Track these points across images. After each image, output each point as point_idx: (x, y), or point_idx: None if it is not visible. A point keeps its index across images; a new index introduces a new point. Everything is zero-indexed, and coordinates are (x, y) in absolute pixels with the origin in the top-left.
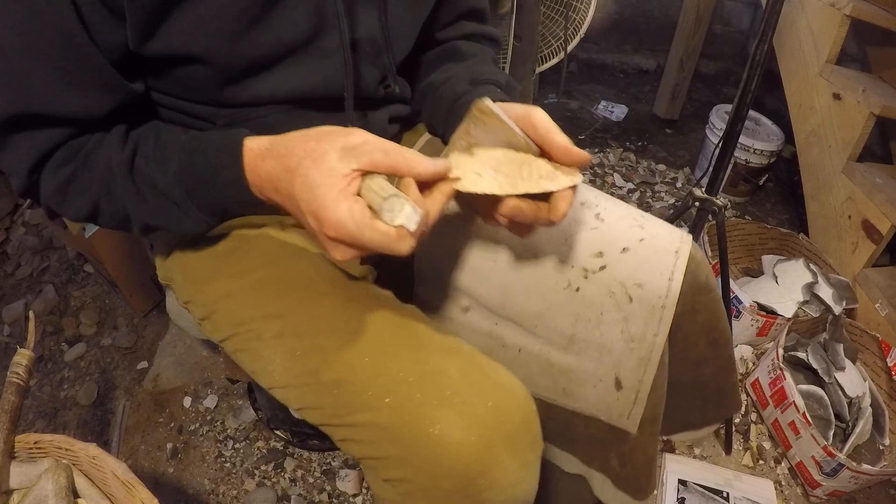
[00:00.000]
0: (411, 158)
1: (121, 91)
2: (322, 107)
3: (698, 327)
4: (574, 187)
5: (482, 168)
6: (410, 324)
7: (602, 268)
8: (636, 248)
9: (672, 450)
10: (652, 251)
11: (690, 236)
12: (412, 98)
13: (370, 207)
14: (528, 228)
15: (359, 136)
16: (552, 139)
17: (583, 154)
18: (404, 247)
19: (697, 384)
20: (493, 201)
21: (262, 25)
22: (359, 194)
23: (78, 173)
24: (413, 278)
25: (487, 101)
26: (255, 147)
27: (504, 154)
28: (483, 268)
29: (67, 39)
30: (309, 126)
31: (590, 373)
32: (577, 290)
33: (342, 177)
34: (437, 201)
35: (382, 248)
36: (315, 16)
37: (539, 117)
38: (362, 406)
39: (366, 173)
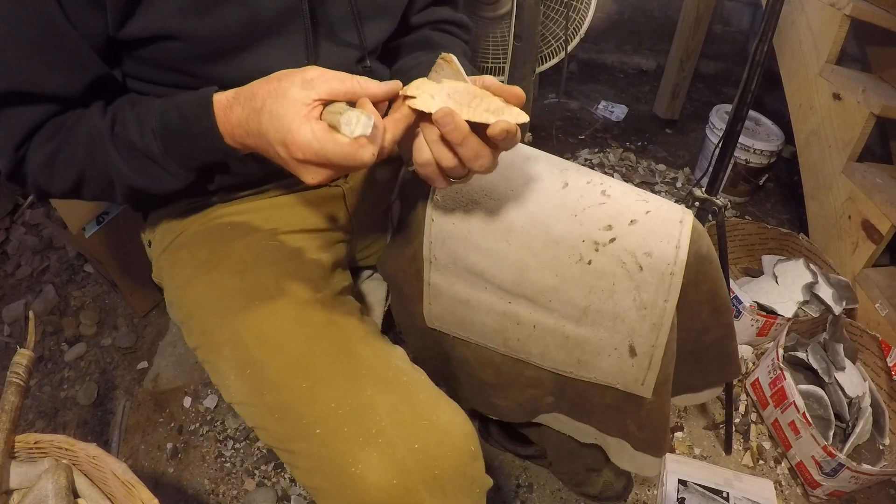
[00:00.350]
0: (364, 82)
1: (96, 69)
2: None
3: (702, 296)
4: (518, 126)
5: (438, 93)
6: (356, 348)
7: (612, 240)
8: (643, 219)
9: (672, 450)
10: (658, 222)
11: (690, 210)
12: None
13: (332, 127)
14: (451, 157)
15: (315, 71)
16: (492, 84)
17: (517, 89)
18: (366, 154)
19: (700, 350)
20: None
21: (232, 2)
22: (321, 119)
23: (62, 146)
24: (417, 276)
25: (452, 55)
26: (223, 99)
27: (465, 87)
28: (497, 249)
29: (47, 23)
30: None
31: (605, 342)
32: (590, 262)
33: (303, 105)
34: (398, 121)
35: (346, 159)
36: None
37: (488, 78)
38: (298, 434)
39: (326, 102)
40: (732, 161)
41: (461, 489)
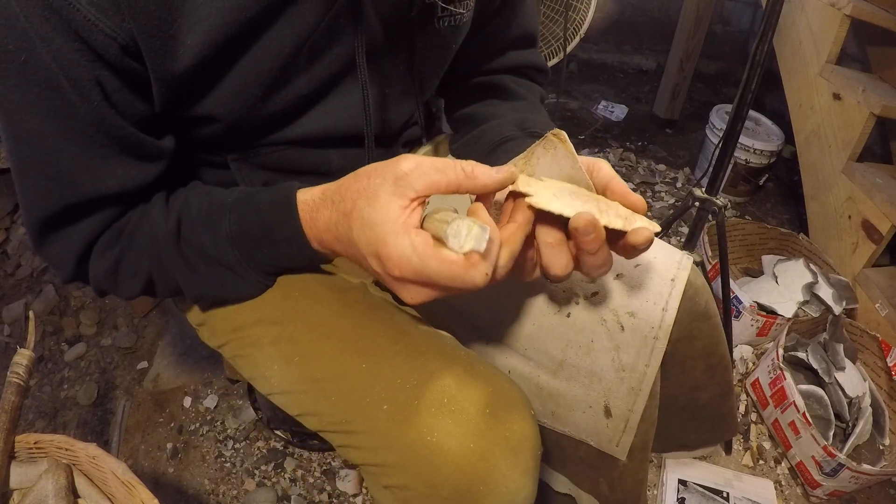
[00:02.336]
0: (470, 170)
1: (153, 151)
2: (337, 144)
3: (695, 352)
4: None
5: (559, 191)
6: (408, 329)
7: (594, 294)
8: (630, 273)
9: None
10: (647, 278)
11: (690, 260)
12: (437, 119)
13: (437, 239)
14: (565, 264)
15: (409, 162)
16: (612, 184)
17: (640, 199)
18: (478, 275)
19: (693, 407)
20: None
21: (282, 87)
22: (422, 228)
23: (125, 254)
24: None
25: (564, 133)
26: (309, 199)
27: (576, 190)
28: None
29: (96, 115)
30: (324, 158)
31: (579, 398)
32: (569, 315)
33: (400, 209)
34: (514, 232)
35: (453, 279)
36: (335, 67)
37: (603, 166)
38: (360, 413)
39: (425, 199)
40: (732, 161)
41: (528, 452)
